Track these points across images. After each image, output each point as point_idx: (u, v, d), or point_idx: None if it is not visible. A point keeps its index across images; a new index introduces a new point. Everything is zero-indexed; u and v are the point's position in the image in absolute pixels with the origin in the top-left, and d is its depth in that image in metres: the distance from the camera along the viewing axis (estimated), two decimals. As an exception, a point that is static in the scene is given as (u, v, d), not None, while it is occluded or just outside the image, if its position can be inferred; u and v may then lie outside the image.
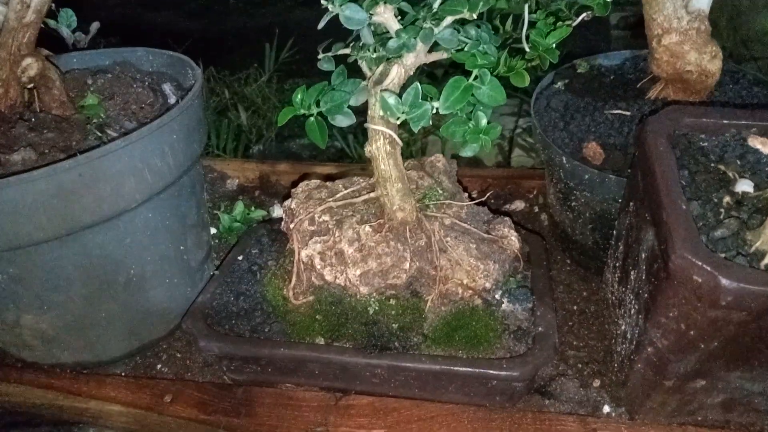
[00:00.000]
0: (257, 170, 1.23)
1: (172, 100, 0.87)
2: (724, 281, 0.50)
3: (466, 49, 0.66)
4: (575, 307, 0.87)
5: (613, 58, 0.97)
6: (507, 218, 0.82)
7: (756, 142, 0.63)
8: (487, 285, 0.75)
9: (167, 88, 0.89)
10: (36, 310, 0.72)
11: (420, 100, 0.64)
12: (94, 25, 1.09)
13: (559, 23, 0.78)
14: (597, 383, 0.74)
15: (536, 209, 1.07)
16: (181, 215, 0.81)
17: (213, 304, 0.78)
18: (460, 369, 0.68)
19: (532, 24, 0.79)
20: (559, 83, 0.93)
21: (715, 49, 0.75)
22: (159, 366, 0.82)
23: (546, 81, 0.94)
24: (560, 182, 0.85)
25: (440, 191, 0.78)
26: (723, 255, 0.53)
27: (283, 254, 0.82)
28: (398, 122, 0.67)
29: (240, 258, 0.85)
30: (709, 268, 0.50)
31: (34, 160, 0.69)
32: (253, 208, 1.13)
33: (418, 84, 0.64)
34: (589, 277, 0.90)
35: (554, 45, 0.74)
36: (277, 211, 1.14)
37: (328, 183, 0.81)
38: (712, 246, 0.54)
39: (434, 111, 0.64)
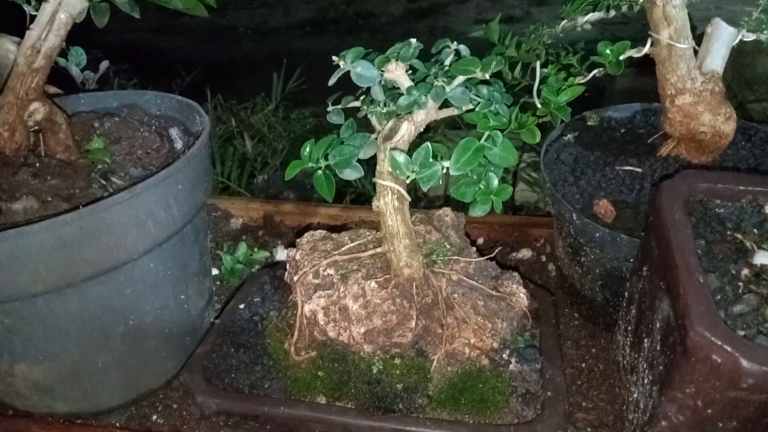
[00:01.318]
0: (261, 210, 1.22)
1: (178, 145, 0.87)
2: (746, 363, 0.48)
3: (477, 108, 0.66)
4: (583, 365, 0.85)
5: (623, 110, 0.97)
6: (515, 274, 0.80)
7: (773, 210, 0.62)
8: (495, 344, 0.73)
9: (174, 132, 0.88)
10: (30, 360, 0.70)
11: (430, 160, 0.64)
12: (104, 64, 1.10)
13: (570, 78, 0.78)
14: (607, 451, 0.72)
15: (543, 258, 1.05)
16: (184, 264, 0.79)
17: (212, 356, 0.76)
18: (464, 435, 0.66)
19: (543, 79, 0.79)
20: (568, 135, 0.92)
21: (729, 111, 0.74)
22: (155, 417, 0.80)
23: (555, 133, 0.93)
24: (569, 237, 0.84)
25: (448, 246, 0.77)
26: (743, 332, 0.52)
27: (286, 305, 0.81)
28: (408, 181, 0.66)
29: (241, 307, 0.84)
30: (729, 348, 0.49)
31: (36, 209, 0.68)
32: (256, 249, 1.12)
33: (429, 144, 0.63)
34: (597, 333, 0.88)
35: (566, 103, 0.74)
36: (280, 253, 1.13)
37: (333, 235, 0.80)
38: (731, 322, 0.52)
39: (444, 171, 0.63)
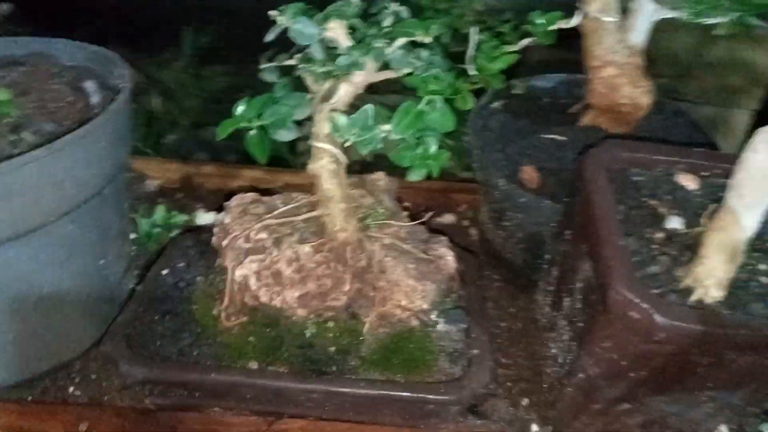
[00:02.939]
0: (180, 171, 1.17)
1: (95, 99, 0.80)
2: (659, 319, 0.52)
3: (417, 72, 0.66)
4: (503, 324, 0.89)
5: (547, 80, 1.00)
6: (444, 237, 0.82)
7: (683, 179, 0.67)
8: (425, 306, 0.75)
9: (90, 85, 0.82)
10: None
11: (371, 123, 0.63)
12: (5, 7, 1.00)
13: (503, 46, 0.80)
14: (526, 402, 0.77)
15: (466, 223, 1.08)
16: (104, 227, 0.75)
17: (135, 324, 0.73)
18: (398, 394, 0.68)
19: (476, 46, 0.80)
20: (495, 103, 0.95)
21: (648, 84, 0.79)
22: (72, 389, 0.76)
23: (483, 100, 0.95)
24: (495, 202, 0.87)
25: (381, 210, 0.78)
26: (656, 291, 0.56)
27: (213, 270, 0.78)
28: (347, 144, 0.65)
29: (165, 272, 0.81)
30: (645, 306, 0.53)
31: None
32: (174, 213, 1.07)
33: (371, 106, 0.63)
34: (517, 294, 0.93)
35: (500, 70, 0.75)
36: (201, 217, 1.09)
37: (265, 198, 0.78)
38: (647, 282, 0.57)
39: (384, 134, 0.63)
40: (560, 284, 0.72)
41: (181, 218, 1.07)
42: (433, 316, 0.75)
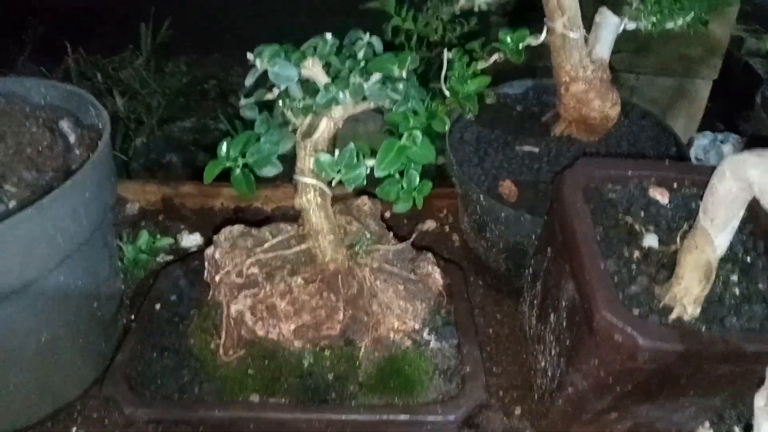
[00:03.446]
0: (159, 193, 1.16)
1: (71, 139, 0.80)
2: (642, 341, 0.55)
3: (394, 107, 0.67)
4: (491, 331, 0.92)
5: (516, 87, 1.02)
6: (429, 254, 0.85)
7: (656, 193, 0.70)
8: (416, 326, 0.78)
9: (65, 125, 0.81)
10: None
11: (355, 161, 0.65)
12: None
13: (473, 63, 0.81)
14: (518, 411, 0.80)
15: (447, 229, 1.11)
16: (94, 271, 0.75)
17: (134, 364, 0.74)
18: (397, 417, 0.70)
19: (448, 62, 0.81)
20: (469, 114, 0.96)
21: (615, 97, 0.82)
22: (74, 429, 0.77)
23: (457, 112, 0.97)
24: (475, 214, 0.89)
25: (368, 235, 0.79)
26: (637, 311, 0.59)
27: (206, 303, 0.80)
28: (334, 183, 0.67)
29: (158, 307, 0.82)
30: (629, 329, 0.56)
31: None
32: (158, 236, 1.07)
33: (353, 145, 0.64)
34: (502, 300, 0.96)
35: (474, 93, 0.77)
36: (186, 239, 1.09)
37: (253, 230, 0.80)
38: (628, 302, 0.60)
39: (368, 170, 0.65)
40: (545, 299, 0.75)
41: (165, 242, 1.07)
42: (425, 335, 0.78)
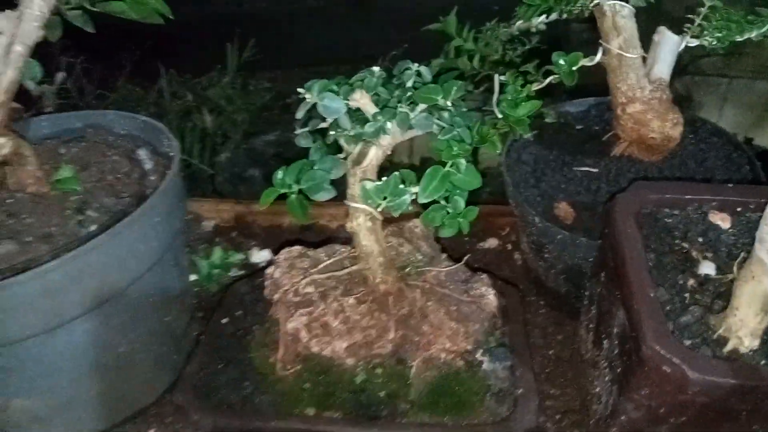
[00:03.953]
0: (233, 211, 1.23)
1: (148, 166, 0.87)
2: (691, 374, 0.54)
3: (440, 135, 0.68)
4: (551, 353, 0.91)
5: (578, 105, 1.01)
6: (484, 276, 0.85)
7: (716, 218, 0.67)
8: (469, 346, 0.78)
9: (142, 153, 0.89)
10: (26, 395, 0.73)
11: (399, 188, 0.67)
12: (60, 76, 1.08)
13: (528, 85, 0.81)
14: (574, 436, 0.79)
15: (509, 247, 1.10)
16: (165, 288, 0.82)
17: (201, 374, 0.79)
18: (445, 436, 0.71)
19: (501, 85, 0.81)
20: (528, 134, 0.96)
21: (676, 117, 0.79)
22: (149, 433, 0.83)
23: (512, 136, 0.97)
24: (532, 235, 0.89)
25: (420, 257, 0.81)
26: (689, 342, 0.57)
27: (268, 319, 0.84)
28: (379, 209, 0.69)
29: (224, 321, 0.87)
30: (677, 362, 0.54)
31: (16, 252, 0.69)
32: (231, 252, 1.14)
33: (397, 173, 0.66)
34: (563, 320, 0.94)
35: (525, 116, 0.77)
36: (257, 255, 1.15)
37: (309, 251, 0.83)
38: (679, 332, 0.58)
39: (413, 197, 0.66)
40: (599, 324, 0.74)
41: (237, 257, 1.14)
42: (477, 356, 0.78)
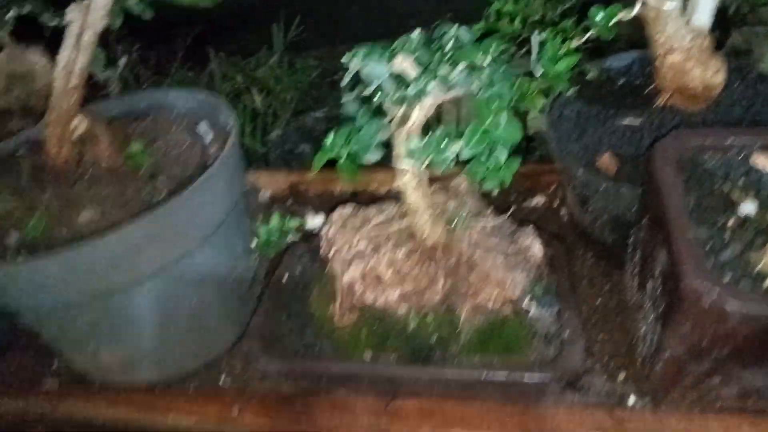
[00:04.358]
0: (287, 180, 1.30)
1: (208, 138, 0.93)
2: (730, 307, 0.56)
3: (480, 92, 0.71)
4: (598, 301, 0.93)
5: (621, 59, 1.01)
6: (530, 227, 0.88)
7: (758, 160, 0.68)
8: (515, 294, 0.82)
9: (202, 127, 0.95)
10: (113, 344, 0.82)
11: (442, 145, 0.70)
12: (122, 61, 1.15)
13: (566, 42, 0.83)
14: (622, 376, 0.82)
15: (556, 203, 1.12)
16: (231, 247, 0.89)
17: (267, 326, 0.86)
18: (497, 375, 0.76)
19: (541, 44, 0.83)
20: (570, 91, 0.97)
21: (717, 64, 0.79)
22: (221, 382, 0.91)
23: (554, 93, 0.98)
24: (577, 189, 0.91)
25: (466, 211, 0.85)
26: (729, 277, 0.60)
27: (325, 274, 0.90)
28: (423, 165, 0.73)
29: (284, 279, 0.93)
30: (716, 295, 0.57)
31: (98, 219, 0.77)
32: (287, 219, 1.20)
33: (441, 130, 0.70)
34: (610, 271, 0.96)
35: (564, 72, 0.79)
36: (312, 221, 1.21)
37: (361, 210, 0.88)
38: (719, 269, 0.60)
39: (456, 153, 0.70)
40: (643, 268, 0.76)
41: (293, 223, 1.20)
42: (524, 304, 0.82)
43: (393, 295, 0.80)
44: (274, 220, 1.18)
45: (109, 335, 0.80)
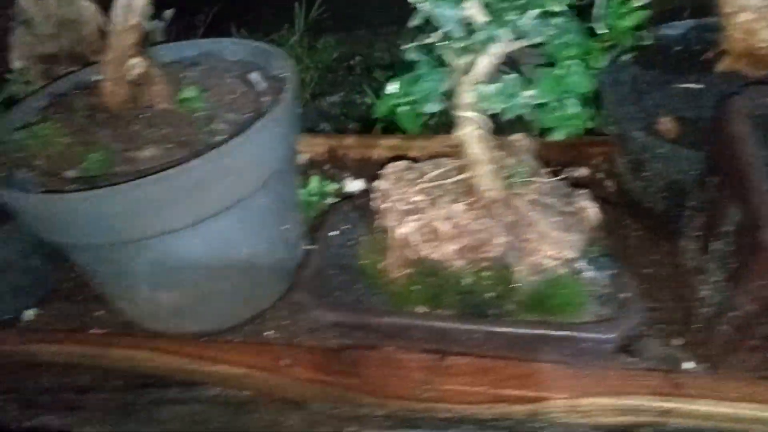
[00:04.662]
0: (326, 144, 1.29)
1: (260, 87, 0.93)
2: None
3: (551, 40, 0.70)
4: (650, 271, 0.92)
5: (677, 27, 1.00)
6: (586, 190, 0.87)
7: (833, 119, 0.67)
8: (571, 255, 0.81)
9: (255, 77, 0.94)
10: (167, 288, 0.81)
11: (514, 91, 0.70)
12: (168, 13, 1.14)
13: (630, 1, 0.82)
14: (679, 341, 0.81)
15: (600, 176, 1.11)
16: (283, 198, 0.88)
17: (317, 278, 0.86)
18: (554, 332, 0.75)
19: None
20: (625, 57, 0.96)
21: (789, 25, 0.78)
22: (269, 333, 0.90)
23: (612, 55, 0.97)
24: (632, 154, 0.90)
25: (524, 169, 0.84)
26: (809, 229, 0.59)
27: (374, 230, 0.89)
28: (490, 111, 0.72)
29: (332, 234, 0.93)
30: (796, 243, 0.56)
31: (160, 156, 0.76)
32: (326, 182, 1.20)
33: (514, 75, 0.69)
34: (662, 238, 0.95)
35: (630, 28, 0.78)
36: (350, 185, 1.21)
37: (415, 164, 0.88)
38: (798, 221, 0.59)
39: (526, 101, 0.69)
40: (708, 230, 0.75)
41: (332, 186, 1.19)
42: (580, 264, 0.81)
43: (450, 249, 0.79)
44: (313, 183, 1.18)
45: (165, 278, 0.80)
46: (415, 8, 0.70)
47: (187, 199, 0.71)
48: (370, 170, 1.26)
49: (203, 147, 0.77)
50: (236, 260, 0.82)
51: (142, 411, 0.87)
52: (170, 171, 0.68)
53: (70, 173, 0.76)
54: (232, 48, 0.98)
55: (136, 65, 0.84)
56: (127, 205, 0.69)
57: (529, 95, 0.68)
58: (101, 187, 0.68)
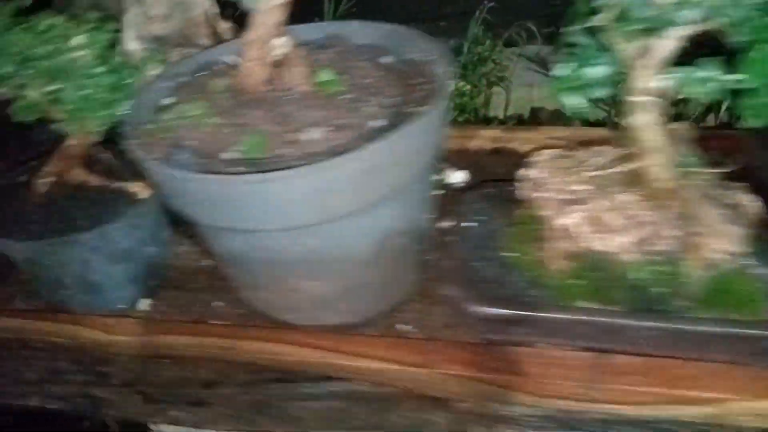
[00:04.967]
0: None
1: (396, 72, 0.89)
2: None
3: (743, 24, 0.66)
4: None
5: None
6: (743, 184, 0.83)
7: None
8: (739, 250, 0.77)
9: (388, 59, 0.90)
10: (319, 277, 0.77)
11: (712, 74, 0.66)
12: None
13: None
14: None
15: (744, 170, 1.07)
16: (428, 186, 0.84)
17: (462, 271, 0.82)
18: (730, 332, 0.71)
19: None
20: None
21: None
22: (407, 327, 0.86)
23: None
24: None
25: (687, 159, 0.80)
26: None
27: (519, 220, 0.86)
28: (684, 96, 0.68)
29: (469, 224, 0.89)
30: None
31: (322, 140, 0.73)
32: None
33: (715, 60, 0.66)
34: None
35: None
36: (453, 176, 1.17)
37: (571, 153, 0.84)
38: None
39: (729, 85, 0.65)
40: None
41: (433, 177, 1.16)
42: (749, 260, 0.78)
43: (619, 241, 0.76)
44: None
45: (316, 268, 0.76)
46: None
47: (360, 183, 0.68)
48: (469, 161, 1.23)
49: (365, 131, 0.73)
50: (389, 250, 0.79)
51: (274, 407, 0.84)
52: (352, 154, 0.65)
53: (227, 155, 0.72)
54: (360, 31, 0.95)
55: (280, 45, 0.81)
56: (303, 189, 0.65)
57: (732, 79, 0.64)
58: (279, 170, 0.64)
